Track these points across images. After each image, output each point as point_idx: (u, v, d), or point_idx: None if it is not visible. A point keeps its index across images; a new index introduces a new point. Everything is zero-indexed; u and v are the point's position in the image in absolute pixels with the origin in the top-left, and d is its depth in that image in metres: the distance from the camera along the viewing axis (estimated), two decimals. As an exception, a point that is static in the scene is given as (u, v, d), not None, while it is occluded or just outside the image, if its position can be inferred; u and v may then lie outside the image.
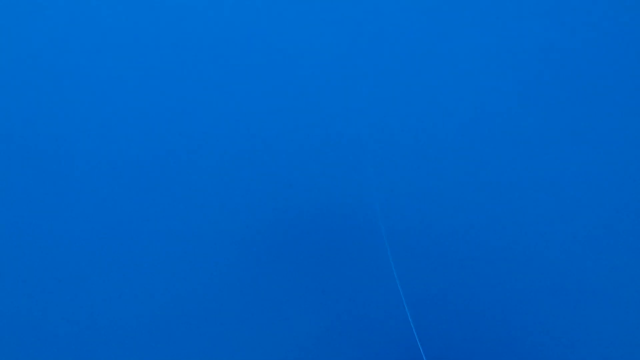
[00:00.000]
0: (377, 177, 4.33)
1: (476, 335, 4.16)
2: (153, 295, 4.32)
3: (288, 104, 4.50)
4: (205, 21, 4.63)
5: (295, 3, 4.54)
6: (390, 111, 4.45)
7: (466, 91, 4.42)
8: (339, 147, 4.41)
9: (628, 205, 4.37)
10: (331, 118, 4.44)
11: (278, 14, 4.54)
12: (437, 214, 4.31)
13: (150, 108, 4.53)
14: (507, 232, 4.28)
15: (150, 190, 4.42)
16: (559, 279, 4.22)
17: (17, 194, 4.51)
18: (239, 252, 4.34)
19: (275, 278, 4.29)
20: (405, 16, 4.52)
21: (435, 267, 4.22)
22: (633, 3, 4.58)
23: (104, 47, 4.68)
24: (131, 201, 4.42)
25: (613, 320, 4.22)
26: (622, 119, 4.47)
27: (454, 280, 4.22)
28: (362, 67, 4.52)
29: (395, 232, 4.26)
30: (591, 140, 4.46)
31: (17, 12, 4.68)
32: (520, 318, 4.17)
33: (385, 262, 4.23)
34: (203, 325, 4.26)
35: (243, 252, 4.34)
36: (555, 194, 4.33)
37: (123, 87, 4.63)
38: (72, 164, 4.53)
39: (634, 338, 4.20)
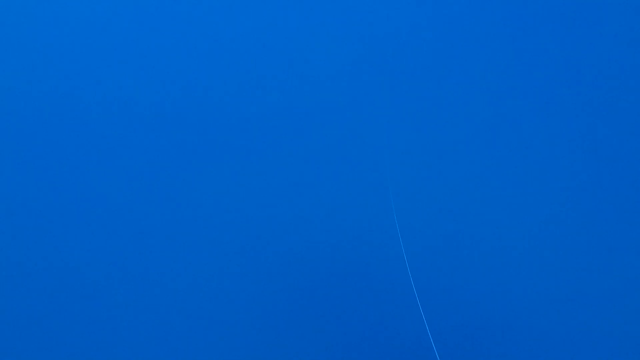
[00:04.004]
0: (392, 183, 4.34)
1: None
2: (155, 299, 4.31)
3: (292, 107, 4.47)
4: (216, 24, 4.57)
5: (306, 9, 4.49)
6: (398, 114, 4.44)
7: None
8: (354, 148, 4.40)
9: (631, 207, 4.46)
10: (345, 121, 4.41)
11: (296, 22, 4.49)
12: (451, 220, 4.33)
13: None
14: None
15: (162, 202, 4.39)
16: (577, 289, 4.29)
17: (18, 194, 4.46)
18: (249, 256, 4.34)
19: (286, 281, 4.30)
20: (414, 21, 4.50)
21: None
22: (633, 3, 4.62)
23: (106, 49, 4.62)
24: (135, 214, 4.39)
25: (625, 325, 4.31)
26: (626, 122, 4.53)
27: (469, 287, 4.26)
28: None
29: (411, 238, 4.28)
30: (594, 143, 4.52)
31: (19, 11, 4.57)
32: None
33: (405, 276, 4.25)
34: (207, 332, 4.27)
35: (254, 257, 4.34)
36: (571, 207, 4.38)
37: (124, 88, 4.58)
38: (75, 167, 4.50)
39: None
